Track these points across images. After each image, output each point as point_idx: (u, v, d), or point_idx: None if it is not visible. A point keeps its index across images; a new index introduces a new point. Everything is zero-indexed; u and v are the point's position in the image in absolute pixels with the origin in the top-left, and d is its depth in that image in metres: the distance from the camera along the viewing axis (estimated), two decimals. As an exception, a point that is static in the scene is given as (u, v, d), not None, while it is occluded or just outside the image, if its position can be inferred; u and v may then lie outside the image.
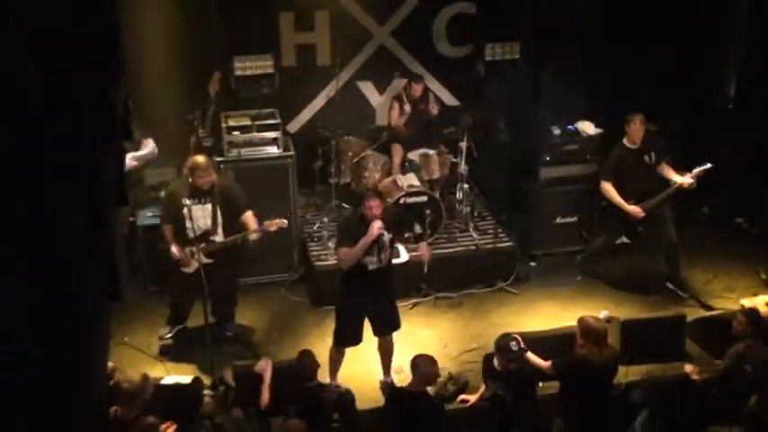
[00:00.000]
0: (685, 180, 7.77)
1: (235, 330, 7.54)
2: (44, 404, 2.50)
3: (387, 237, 6.38)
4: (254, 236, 7.02)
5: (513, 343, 6.13)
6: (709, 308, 7.90)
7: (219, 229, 7.04)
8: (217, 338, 7.17)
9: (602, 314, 7.53)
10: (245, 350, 7.37)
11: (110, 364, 6.04)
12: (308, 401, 5.76)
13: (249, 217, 7.10)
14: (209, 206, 6.98)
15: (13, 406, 2.45)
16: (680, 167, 8.00)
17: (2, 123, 2.18)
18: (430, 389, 6.82)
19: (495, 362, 6.21)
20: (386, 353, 6.82)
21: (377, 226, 6.20)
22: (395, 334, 6.83)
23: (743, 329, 6.24)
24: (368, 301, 6.54)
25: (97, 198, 2.58)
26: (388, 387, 6.80)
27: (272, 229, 7.01)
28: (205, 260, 6.90)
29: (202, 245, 6.93)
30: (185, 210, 6.82)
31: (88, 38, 2.33)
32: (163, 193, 7.20)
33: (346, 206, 8.99)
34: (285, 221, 7.06)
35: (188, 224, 6.86)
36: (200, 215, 6.94)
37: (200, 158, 7.00)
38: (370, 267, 6.41)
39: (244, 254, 7.51)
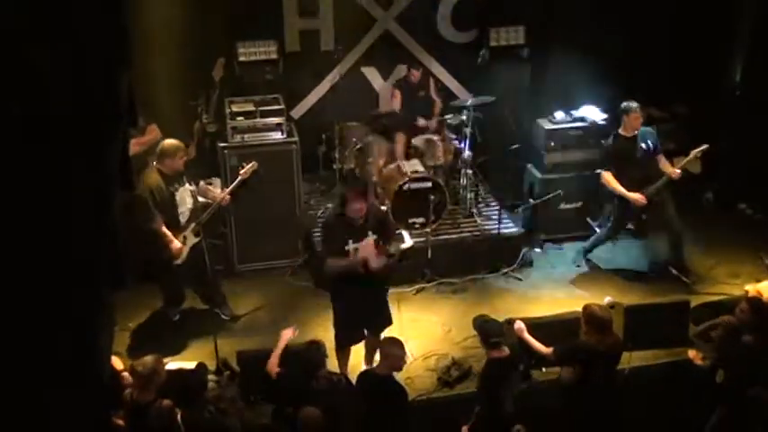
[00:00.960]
0: (674, 172, 7.80)
1: (230, 313, 7.55)
2: (51, 388, 2.52)
3: (372, 238, 6.31)
4: (230, 196, 7.19)
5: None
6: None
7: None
8: (218, 324, 7.26)
9: (606, 300, 7.54)
10: (248, 335, 7.41)
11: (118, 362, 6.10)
12: (296, 389, 5.75)
13: (208, 184, 7.34)
14: (187, 185, 7.06)
15: (18, 390, 2.48)
16: (682, 153, 7.99)
17: (10, 109, 2.20)
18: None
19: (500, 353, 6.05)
20: (372, 347, 6.74)
21: (365, 256, 6.16)
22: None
23: (745, 318, 6.21)
24: (360, 302, 6.47)
25: (102, 183, 2.59)
26: None
27: (247, 176, 7.16)
28: (194, 240, 7.06)
29: (192, 225, 7.04)
30: (178, 196, 6.98)
31: (94, 25, 2.34)
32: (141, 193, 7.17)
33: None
34: (255, 163, 7.13)
35: (181, 209, 7.01)
36: (185, 196, 7.07)
37: (174, 141, 7.06)
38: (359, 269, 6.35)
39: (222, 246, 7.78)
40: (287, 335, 6.03)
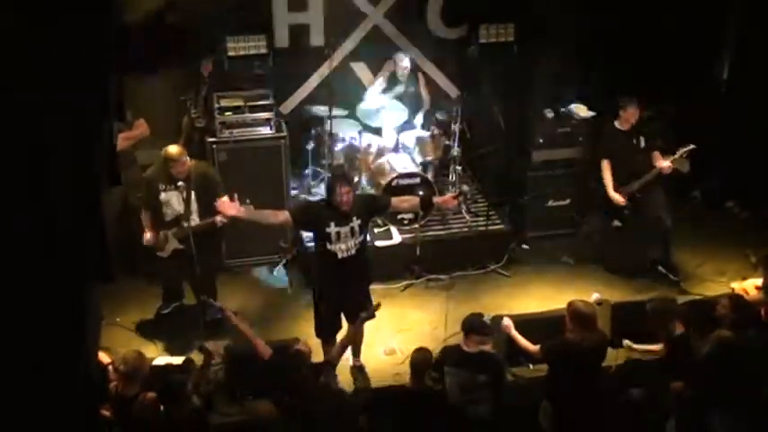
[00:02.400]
0: (664, 165, 7.80)
1: (214, 315, 7.50)
2: (39, 381, 2.52)
3: (356, 223, 6.26)
4: (219, 219, 6.93)
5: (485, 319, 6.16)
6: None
7: (194, 215, 7.01)
8: (203, 321, 7.21)
9: (594, 297, 7.55)
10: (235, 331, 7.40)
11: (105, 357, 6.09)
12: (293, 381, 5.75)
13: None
14: (183, 192, 6.95)
15: (7, 384, 2.47)
16: (670, 151, 8.02)
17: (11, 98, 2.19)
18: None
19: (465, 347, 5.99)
20: (355, 338, 6.68)
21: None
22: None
23: (725, 314, 6.24)
24: (341, 290, 6.46)
25: (90, 178, 2.59)
26: (358, 371, 6.84)
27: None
28: (177, 245, 7.00)
29: (174, 229, 7.00)
30: (162, 196, 6.94)
31: (82, 19, 2.33)
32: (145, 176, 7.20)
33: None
34: (250, 203, 7.01)
35: (164, 210, 6.99)
36: (175, 201, 6.97)
37: (174, 150, 6.92)
38: (340, 256, 6.30)
39: (220, 242, 7.64)
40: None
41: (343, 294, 6.49)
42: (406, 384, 6.00)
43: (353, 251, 6.32)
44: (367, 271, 6.66)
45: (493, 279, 8.32)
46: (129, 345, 7.06)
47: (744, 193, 9.42)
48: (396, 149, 8.93)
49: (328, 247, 6.26)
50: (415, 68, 9.25)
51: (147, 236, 7.07)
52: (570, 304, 6.08)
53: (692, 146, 7.79)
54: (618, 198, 7.95)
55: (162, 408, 5.53)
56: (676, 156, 7.86)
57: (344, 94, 9.28)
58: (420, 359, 5.86)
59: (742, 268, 8.22)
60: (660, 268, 8.20)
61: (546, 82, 9.05)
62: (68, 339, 2.64)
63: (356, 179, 8.79)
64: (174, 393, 5.53)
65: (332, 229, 6.22)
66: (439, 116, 9.10)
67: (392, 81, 9.12)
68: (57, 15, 2.26)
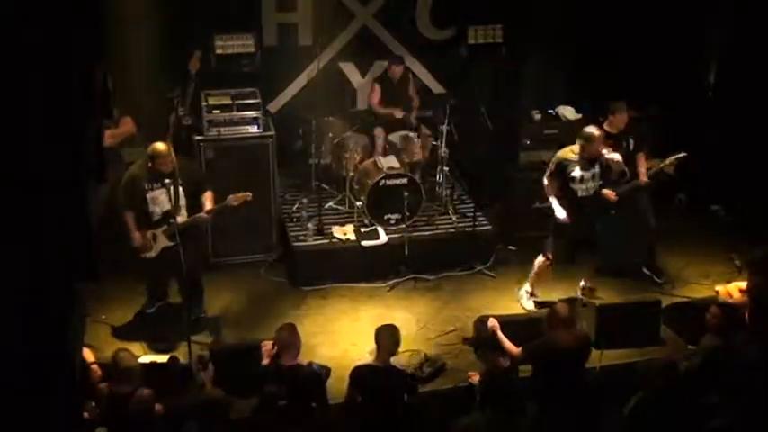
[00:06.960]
0: (642, 181, 7.84)
1: (199, 314, 7.49)
2: (22, 377, 2.51)
3: (596, 169, 7.24)
4: (208, 215, 7.02)
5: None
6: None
7: (183, 210, 7.01)
8: (187, 319, 7.20)
9: (581, 284, 7.64)
10: (221, 330, 7.39)
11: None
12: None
13: (208, 197, 7.10)
14: (171, 189, 6.94)
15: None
16: (657, 154, 8.05)
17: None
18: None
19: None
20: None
21: None
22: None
23: (716, 323, 6.26)
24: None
25: (76, 176, 2.58)
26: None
27: (236, 203, 7.03)
28: (167, 242, 6.97)
29: (164, 227, 6.97)
30: (149, 195, 6.90)
31: (69, 16, 2.32)
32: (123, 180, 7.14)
33: (326, 187, 9.00)
34: (249, 194, 7.05)
35: (151, 208, 6.96)
36: (164, 198, 6.94)
37: (161, 145, 6.91)
38: (580, 194, 7.34)
39: (204, 237, 7.66)
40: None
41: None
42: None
43: (591, 192, 7.36)
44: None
45: (479, 280, 8.33)
46: (113, 342, 7.05)
47: (729, 197, 9.47)
48: (383, 150, 8.95)
49: (571, 186, 7.30)
50: (407, 69, 9.27)
51: (136, 237, 7.03)
52: (549, 308, 6.13)
53: (683, 154, 7.81)
54: (610, 194, 7.93)
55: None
56: (667, 162, 7.88)
57: (333, 93, 9.29)
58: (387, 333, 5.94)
59: (726, 271, 8.26)
60: (645, 270, 8.23)
61: (534, 83, 9.07)
62: (52, 336, 2.63)
63: (343, 178, 8.83)
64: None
65: (577, 173, 7.25)
66: (427, 117, 9.10)
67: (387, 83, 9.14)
68: (44, 12, 2.25)
